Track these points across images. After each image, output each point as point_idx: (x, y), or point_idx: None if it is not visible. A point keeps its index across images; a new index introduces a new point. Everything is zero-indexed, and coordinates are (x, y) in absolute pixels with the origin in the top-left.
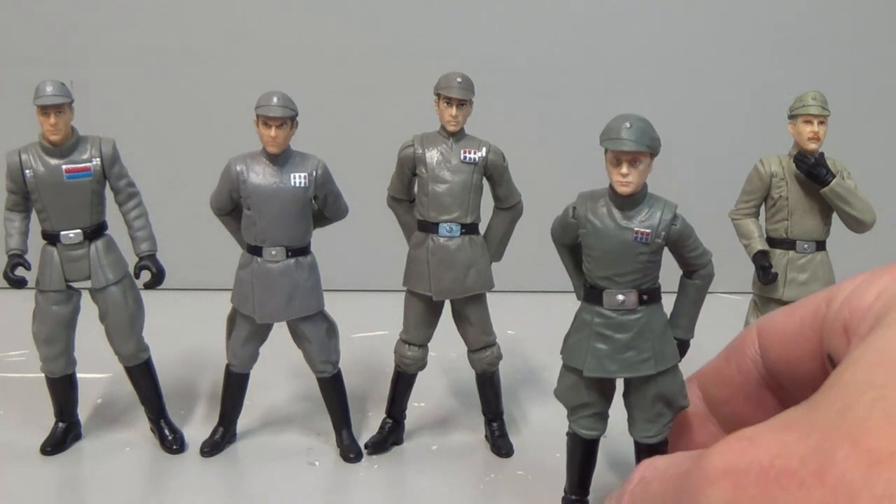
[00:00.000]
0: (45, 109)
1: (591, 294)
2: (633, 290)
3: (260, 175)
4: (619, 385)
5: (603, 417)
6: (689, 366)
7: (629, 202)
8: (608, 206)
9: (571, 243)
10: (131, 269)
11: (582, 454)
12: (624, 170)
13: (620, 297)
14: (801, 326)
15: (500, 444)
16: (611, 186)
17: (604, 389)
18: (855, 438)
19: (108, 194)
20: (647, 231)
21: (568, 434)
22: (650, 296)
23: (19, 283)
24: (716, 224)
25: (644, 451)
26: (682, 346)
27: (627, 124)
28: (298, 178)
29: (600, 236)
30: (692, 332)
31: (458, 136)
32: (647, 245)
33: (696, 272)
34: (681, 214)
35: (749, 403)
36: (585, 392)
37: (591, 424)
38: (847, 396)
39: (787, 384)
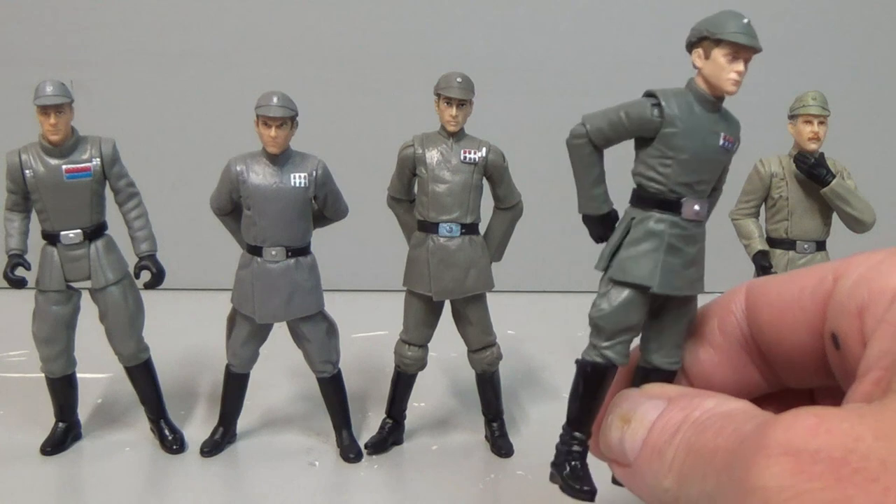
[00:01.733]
0: (45, 109)
1: (664, 203)
2: (706, 201)
3: (260, 175)
4: None
5: (650, 344)
6: None
7: (717, 106)
8: (699, 107)
9: (608, 146)
10: (131, 269)
11: (605, 386)
12: (741, 67)
13: (697, 207)
14: (801, 295)
15: (500, 444)
16: (703, 85)
17: (648, 308)
18: None
19: (108, 194)
20: (732, 138)
21: (588, 364)
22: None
23: (19, 283)
24: (716, 224)
25: (656, 379)
26: None
27: (746, 20)
28: (298, 179)
29: (692, 137)
30: None
31: (458, 136)
32: (729, 153)
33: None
34: None
35: (724, 367)
36: (639, 312)
37: (626, 350)
38: None
39: (770, 352)
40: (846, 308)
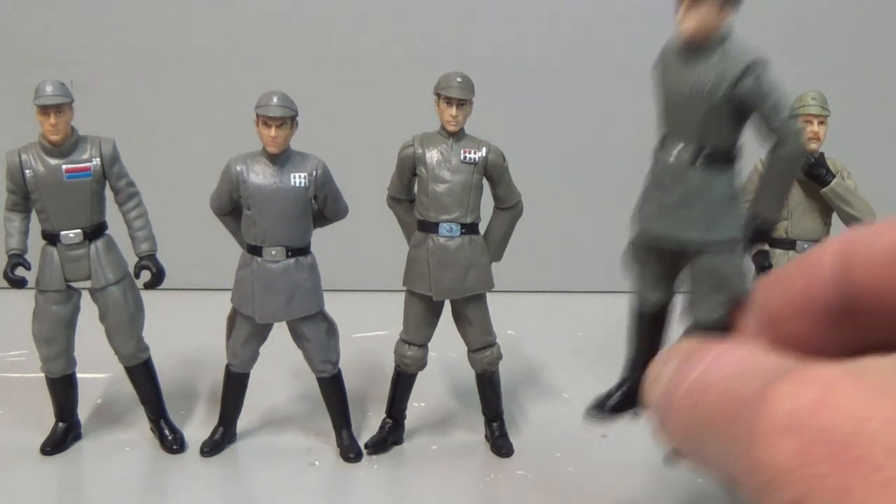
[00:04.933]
0: (45, 109)
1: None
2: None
3: (260, 175)
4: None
5: (655, 288)
6: None
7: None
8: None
9: None
10: (131, 269)
11: (636, 324)
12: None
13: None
14: None
15: (500, 444)
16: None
17: (659, 254)
18: None
19: (109, 194)
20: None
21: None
22: (713, 158)
23: (19, 283)
24: None
25: (693, 330)
26: (758, 230)
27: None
28: (298, 178)
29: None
30: (771, 210)
31: (458, 136)
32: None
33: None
34: (760, 69)
35: (815, 328)
36: (637, 258)
37: (643, 291)
38: None
39: (869, 313)
40: None
